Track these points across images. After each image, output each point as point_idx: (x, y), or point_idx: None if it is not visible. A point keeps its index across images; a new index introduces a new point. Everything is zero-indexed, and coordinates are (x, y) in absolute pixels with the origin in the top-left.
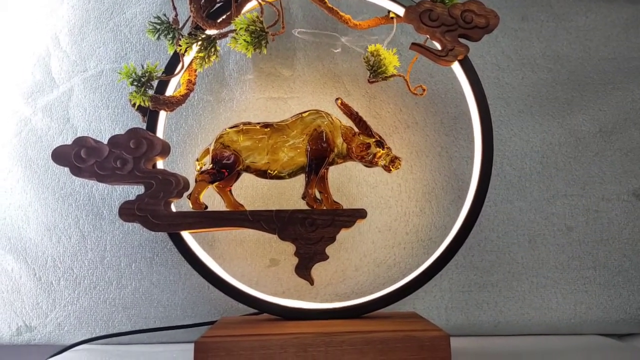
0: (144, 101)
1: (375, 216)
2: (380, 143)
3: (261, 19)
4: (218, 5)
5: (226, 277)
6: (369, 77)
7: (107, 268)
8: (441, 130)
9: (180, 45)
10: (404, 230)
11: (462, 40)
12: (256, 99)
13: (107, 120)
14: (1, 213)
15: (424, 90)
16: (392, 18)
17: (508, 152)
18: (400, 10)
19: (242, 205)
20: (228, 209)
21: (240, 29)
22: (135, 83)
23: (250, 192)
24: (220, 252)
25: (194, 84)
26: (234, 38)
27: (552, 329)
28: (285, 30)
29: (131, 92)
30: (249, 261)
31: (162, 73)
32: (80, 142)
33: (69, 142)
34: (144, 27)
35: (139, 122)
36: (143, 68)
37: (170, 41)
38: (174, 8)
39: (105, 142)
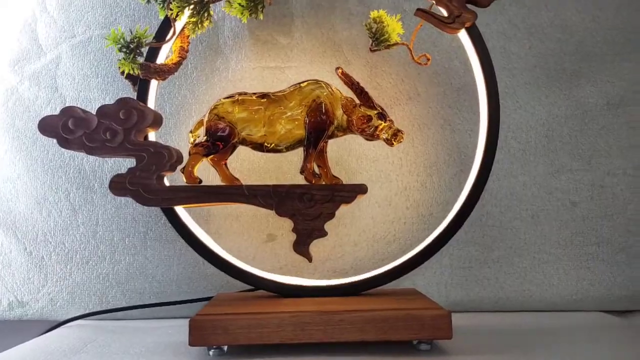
0: (133, 69)
1: (375, 190)
2: (383, 115)
3: None
4: None
5: (222, 253)
6: (371, 45)
7: (99, 242)
8: (444, 102)
9: (171, 10)
10: (405, 205)
11: (469, 6)
12: (252, 68)
13: (96, 89)
14: None
15: (428, 59)
16: None
17: (513, 125)
18: None
19: (237, 180)
20: (223, 183)
21: None
22: (124, 49)
23: (246, 165)
24: (216, 227)
25: (187, 51)
26: (228, 2)
27: (554, 306)
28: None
29: (120, 60)
30: (245, 237)
31: (153, 39)
32: (68, 112)
33: (57, 112)
34: None
35: (130, 91)
36: (132, 33)
37: (161, 5)
38: None
39: (94, 112)
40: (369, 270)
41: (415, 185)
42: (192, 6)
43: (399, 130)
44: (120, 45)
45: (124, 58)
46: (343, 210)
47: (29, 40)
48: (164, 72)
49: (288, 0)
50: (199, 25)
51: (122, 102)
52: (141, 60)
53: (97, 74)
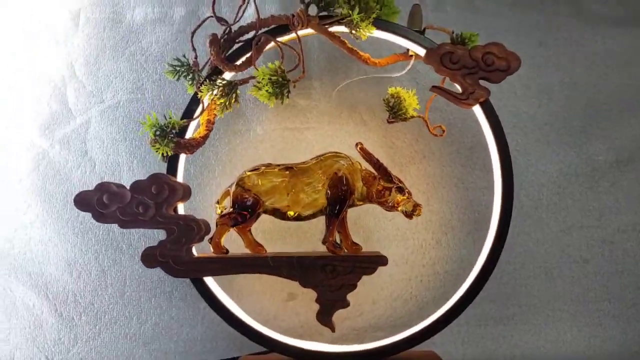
0: (167, 151)
1: (392, 249)
2: (401, 189)
3: (283, 68)
4: (237, 46)
5: (242, 316)
6: (388, 117)
7: (127, 303)
8: (457, 161)
9: (201, 91)
10: (421, 262)
11: (482, 82)
12: (272, 130)
13: (124, 153)
14: (21, 248)
15: (443, 130)
16: (410, 55)
17: (525, 183)
18: (421, 51)
19: (261, 246)
20: (248, 251)
21: (263, 79)
22: (159, 134)
23: (268, 225)
24: (238, 287)
25: (213, 123)
26: (256, 87)
27: None
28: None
29: (153, 143)
30: (267, 296)
31: (182, 118)
32: (103, 187)
33: (87, 175)
34: (160, 56)
35: (157, 155)
36: (166, 119)
37: (190, 82)
38: (193, 49)
39: (124, 179)
40: (387, 329)
41: (431, 243)
42: (220, 88)
43: (417, 204)
44: (155, 130)
45: (158, 142)
46: None
47: (59, 104)
48: (192, 147)
49: (306, 64)
50: (228, 106)
51: (154, 178)
52: (173, 142)
53: (125, 138)
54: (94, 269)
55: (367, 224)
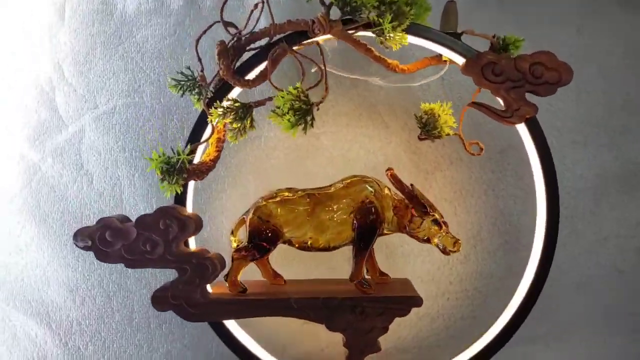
0: (176, 189)
1: (417, 264)
2: (437, 222)
3: (305, 92)
4: (249, 54)
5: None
6: (420, 134)
7: (136, 330)
8: (487, 167)
9: (211, 114)
10: (448, 279)
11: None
12: (285, 136)
13: (124, 165)
14: (18, 274)
15: (481, 149)
16: (444, 60)
17: (562, 190)
18: (458, 59)
19: (280, 276)
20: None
21: (284, 105)
22: (166, 170)
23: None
24: None
25: (224, 141)
26: (275, 113)
27: None
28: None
29: (161, 182)
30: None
31: (188, 140)
32: (104, 223)
33: (84, 191)
34: (158, 52)
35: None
36: (173, 152)
37: (197, 97)
38: (199, 59)
39: (125, 195)
40: (413, 350)
41: (459, 258)
42: (234, 111)
43: (456, 240)
44: (162, 167)
45: (167, 180)
46: None
47: (48, 111)
48: (202, 173)
49: (320, 60)
50: (242, 132)
51: (162, 212)
52: (182, 179)
53: (124, 148)
54: (98, 295)
55: (391, 239)
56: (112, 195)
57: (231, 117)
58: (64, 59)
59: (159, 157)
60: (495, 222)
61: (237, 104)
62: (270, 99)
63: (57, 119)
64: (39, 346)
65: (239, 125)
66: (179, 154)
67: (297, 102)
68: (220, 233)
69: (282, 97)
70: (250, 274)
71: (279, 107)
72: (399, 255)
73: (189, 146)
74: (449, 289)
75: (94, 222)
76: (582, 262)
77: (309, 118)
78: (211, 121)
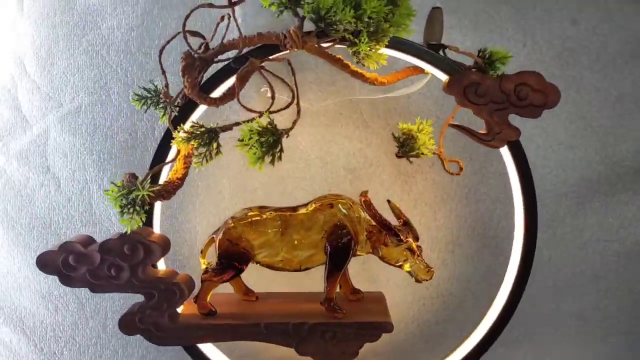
0: (136, 225)
1: (394, 270)
2: (412, 250)
3: (274, 124)
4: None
5: None
6: (398, 152)
7: (110, 336)
8: (469, 168)
9: (173, 138)
10: (424, 284)
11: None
12: None
13: (92, 168)
14: None
15: (461, 168)
16: (426, 73)
17: (544, 194)
18: (440, 75)
19: (251, 292)
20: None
21: (250, 139)
22: (127, 208)
23: None
24: None
25: (192, 156)
26: (243, 142)
27: None
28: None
29: (121, 215)
30: None
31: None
32: (68, 248)
33: (52, 196)
34: (125, 45)
35: (128, 169)
36: (133, 180)
37: (162, 112)
38: (163, 72)
39: (94, 200)
40: (387, 354)
41: (436, 262)
42: (198, 136)
43: (429, 268)
44: (121, 202)
45: (126, 216)
46: (364, 289)
47: (10, 110)
48: (169, 193)
49: (301, 53)
50: (207, 158)
51: (125, 237)
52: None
53: (92, 150)
54: (71, 302)
55: None
56: (80, 199)
57: (196, 142)
58: (24, 53)
59: (117, 190)
60: (475, 227)
61: (201, 129)
62: (237, 124)
63: (21, 118)
64: (14, 352)
65: (204, 151)
66: (138, 188)
67: (264, 136)
68: (193, 240)
69: (248, 130)
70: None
71: (242, 140)
72: (375, 260)
73: (148, 179)
74: (424, 294)
75: (63, 228)
76: (560, 267)
77: (277, 150)
78: (176, 146)
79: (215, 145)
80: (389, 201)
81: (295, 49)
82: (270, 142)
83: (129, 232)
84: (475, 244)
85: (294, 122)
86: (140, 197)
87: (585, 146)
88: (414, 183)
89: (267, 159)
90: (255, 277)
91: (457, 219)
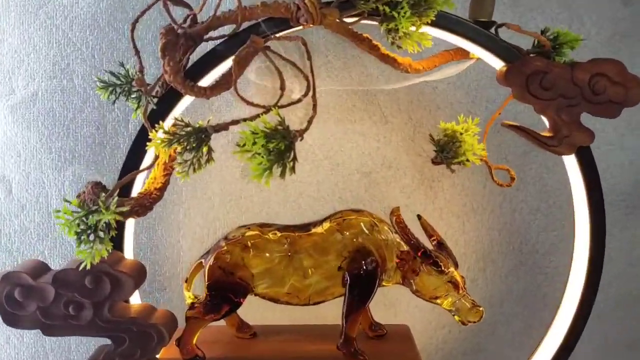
0: (95, 258)
1: None
2: (455, 284)
3: (286, 125)
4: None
5: None
6: (435, 157)
7: None
8: (505, 173)
9: (150, 140)
10: None
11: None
12: None
13: (50, 169)
14: None
15: (512, 179)
16: (472, 58)
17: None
18: (494, 61)
19: (248, 326)
20: (227, 354)
21: (254, 145)
22: (84, 234)
23: None
24: None
25: (174, 160)
26: (244, 148)
27: None
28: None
29: (78, 246)
30: None
31: (123, 169)
32: (12, 279)
33: (2, 203)
34: (92, 19)
35: (95, 171)
36: (96, 192)
37: (136, 104)
38: (137, 52)
39: (53, 207)
40: None
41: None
42: (184, 139)
43: (476, 306)
44: (79, 227)
45: (85, 247)
46: (381, 315)
47: None
48: (144, 208)
49: (309, 32)
50: (196, 165)
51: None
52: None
53: (50, 148)
54: (26, 333)
55: None
56: (37, 208)
57: (179, 146)
58: None
59: (73, 212)
60: (510, 241)
61: (187, 128)
62: (235, 122)
63: None
64: None
65: (192, 156)
66: (101, 209)
67: (272, 142)
68: (176, 258)
69: (252, 132)
70: None
71: (242, 145)
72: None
73: (115, 194)
74: (449, 320)
75: (16, 243)
76: (606, 287)
77: (289, 158)
78: (155, 151)
79: (205, 149)
80: (419, 217)
81: (311, 25)
82: (280, 149)
83: (88, 266)
84: (510, 261)
85: (310, 120)
86: (100, 222)
87: (638, 148)
88: (439, 189)
89: (276, 170)
90: (251, 303)
91: (490, 232)
